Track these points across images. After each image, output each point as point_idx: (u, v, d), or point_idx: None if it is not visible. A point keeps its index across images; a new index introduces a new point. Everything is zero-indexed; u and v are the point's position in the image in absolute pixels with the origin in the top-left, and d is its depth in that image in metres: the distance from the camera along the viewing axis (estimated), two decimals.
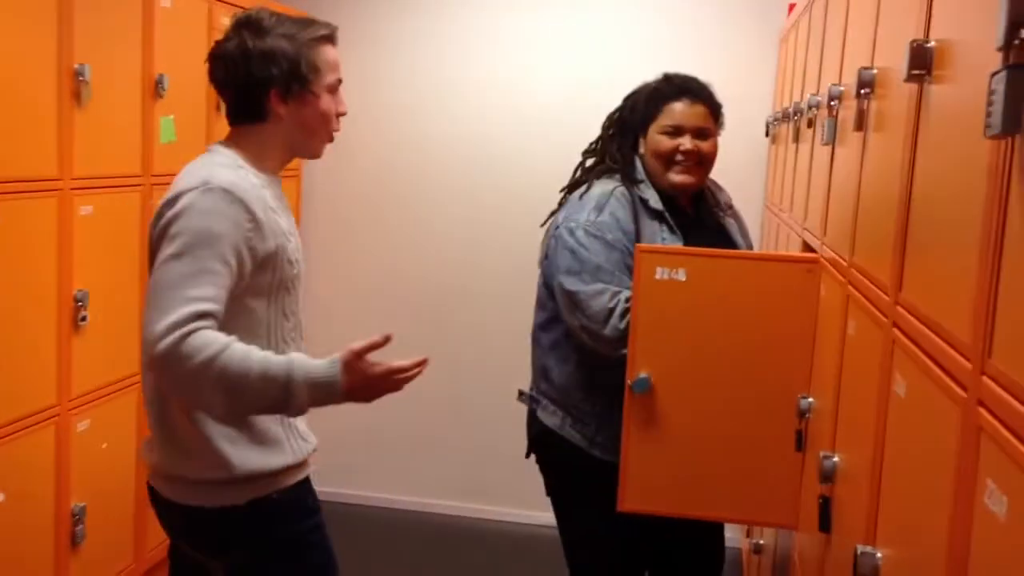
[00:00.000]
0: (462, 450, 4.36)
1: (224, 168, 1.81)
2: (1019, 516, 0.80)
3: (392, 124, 4.32)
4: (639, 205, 2.35)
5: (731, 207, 2.60)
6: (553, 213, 2.49)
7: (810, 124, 2.36)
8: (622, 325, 2.21)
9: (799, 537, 2.10)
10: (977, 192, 0.96)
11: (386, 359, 1.74)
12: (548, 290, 2.40)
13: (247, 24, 1.86)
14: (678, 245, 2.34)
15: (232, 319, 1.74)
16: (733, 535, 3.50)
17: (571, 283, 2.28)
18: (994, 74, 0.82)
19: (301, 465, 1.92)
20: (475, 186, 4.29)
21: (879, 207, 1.45)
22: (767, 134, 3.92)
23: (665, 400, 2.16)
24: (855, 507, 1.49)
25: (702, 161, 2.38)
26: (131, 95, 3.03)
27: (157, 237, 1.75)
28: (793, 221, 2.72)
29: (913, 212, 1.25)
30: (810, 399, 2.01)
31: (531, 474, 2.60)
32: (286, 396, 1.68)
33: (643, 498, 2.19)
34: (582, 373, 2.38)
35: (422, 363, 1.76)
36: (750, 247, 2.60)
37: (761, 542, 2.80)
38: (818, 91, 2.36)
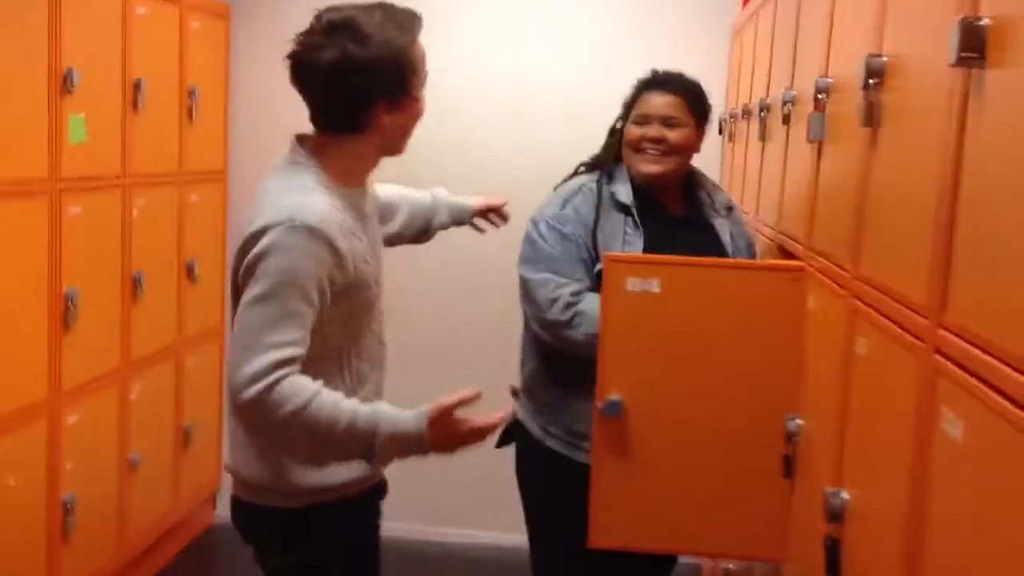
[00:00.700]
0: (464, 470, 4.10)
1: (310, 196, 1.76)
2: None
3: None
4: (608, 199, 2.32)
5: (730, 209, 2.49)
6: None
7: (785, 120, 2.18)
8: (564, 316, 2.22)
9: (788, 571, 1.92)
10: None
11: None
12: None
13: (346, 29, 1.75)
14: (639, 247, 2.25)
15: (315, 346, 1.74)
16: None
17: (524, 271, 2.32)
18: None
19: (363, 478, 1.89)
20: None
21: (904, 212, 1.27)
22: (720, 131, 3.77)
23: (639, 424, 1.97)
24: (876, 553, 1.31)
25: (669, 150, 2.32)
26: (36, 91, 2.75)
27: (244, 272, 1.73)
28: (761, 224, 2.55)
29: (961, 218, 1.06)
30: (798, 420, 1.83)
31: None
32: (370, 450, 1.70)
33: (615, 533, 1.99)
34: (542, 363, 2.39)
35: (499, 420, 1.80)
36: (752, 254, 2.45)
37: (731, 567, 2.63)
38: (792, 85, 2.20)
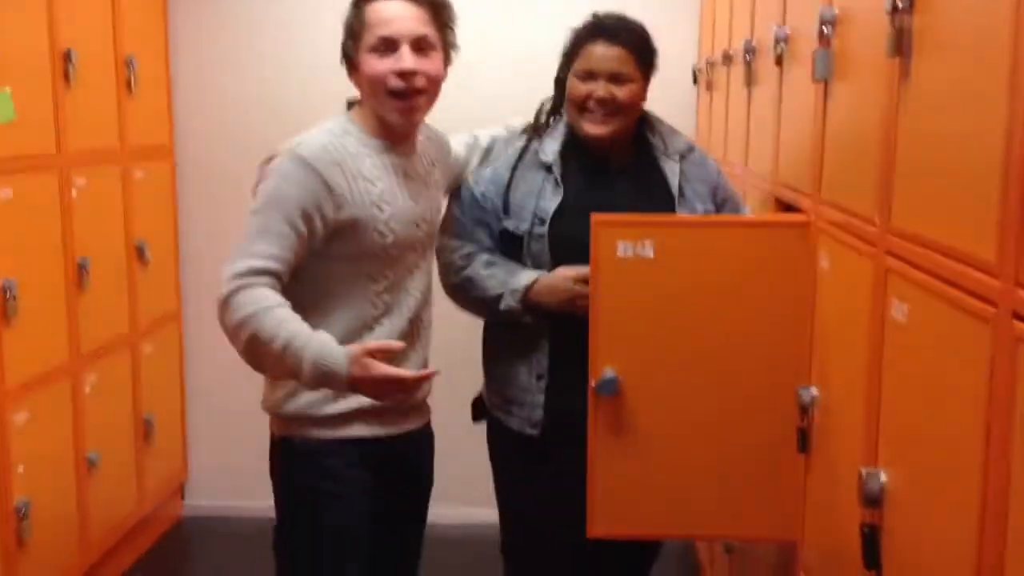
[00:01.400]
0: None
1: (323, 133, 1.90)
2: None
3: (277, 100, 3.82)
4: (530, 159, 2.18)
5: (686, 154, 2.20)
6: None
7: (779, 61, 2.00)
8: (455, 280, 2.18)
9: (806, 553, 1.77)
10: None
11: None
12: None
13: None
14: (552, 205, 2.11)
15: (310, 278, 1.88)
16: None
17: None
18: None
19: (323, 420, 1.91)
20: None
21: (956, 155, 1.10)
22: (695, 81, 3.58)
23: (637, 402, 1.80)
24: (925, 543, 1.15)
25: (618, 110, 2.11)
26: None
27: (253, 189, 1.90)
28: (754, 175, 2.38)
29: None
30: (813, 390, 1.67)
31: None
32: (297, 372, 1.76)
33: (616, 520, 1.83)
34: (483, 331, 2.33)
35: (428, 376, 1.83)
36: (730, 205, 2.19)
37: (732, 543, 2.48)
38: (784, 21, 2.01)
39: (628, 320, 1.78)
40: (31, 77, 2.82)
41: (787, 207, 2.01)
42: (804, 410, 1.68)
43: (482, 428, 2.30)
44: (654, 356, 1.79)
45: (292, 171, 1.82)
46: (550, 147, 2.17)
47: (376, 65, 1.88)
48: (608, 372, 1.78)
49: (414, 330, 2.00)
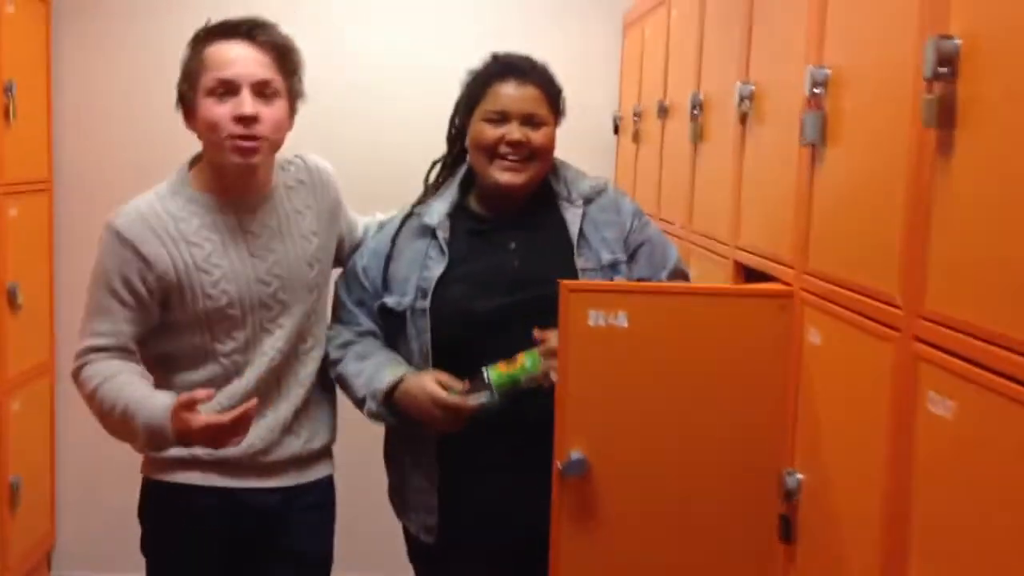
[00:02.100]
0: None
1: (147, 198, 1.88)
2: None
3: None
4: (412, 226, 1.98)
5: (592, 197, 1.98)
6: None
7: (743, 120, 1.91)
8: (331, 376, 2.01)
9: None
10: None
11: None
12: None
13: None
14: (438, 271, 1.91)
15: (157, 342, 1.91)
16: None
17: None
18: None
19: (164, 462, 1.92)
20: None
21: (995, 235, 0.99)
22: (616, 131, 3.50)
23: (606, 485, 1.64)
24: None
25: (533, 155, 1.91)
26: None
27: None
28: (702, 236, 2.28)
29: None
30: (799, 475, 1.55)
31: None
32: (134, 436, 1.78)
33: None
34: None
35: (244, 415, 1.72)
36: (637, 247, 1.95)
37: None
38: (748, 77, 1.92)
39: (598, 395, 1.64)
40: None
41: (751, 272, 1.91)
42: (788, 496, 1.56)
43: None
44: (625, 435, 1.64)
45: (107, 243, 1.85)
46: (437, 209, 1.96)
47: (214, 109, 1.79)
48: (575, 453, 1.63)
49: (271, 390, 1.94)
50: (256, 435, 1.90)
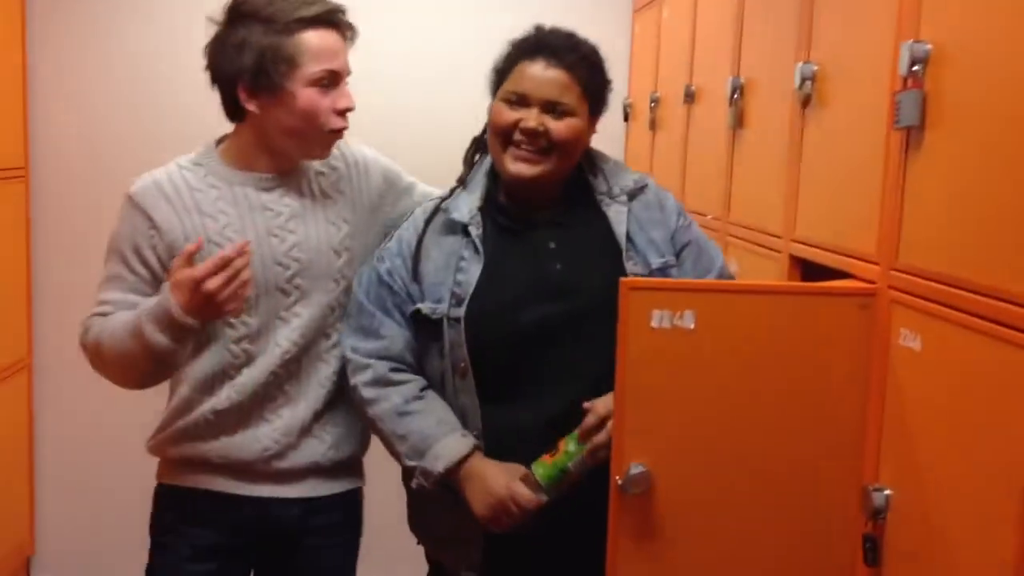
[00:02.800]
0: None
1: (165, 167, 1.81)
2: None
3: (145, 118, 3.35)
4: (440, 221, 1.78)
5: (636, 193, 1.80)
6: None
7: (805, 103, 1.76)
8: (356, 405, 1.78)
9: None
10: None
11: None
12: None
13: (230, 6, 1.73)
14: (474, 274, 1.72)
15: None
16: None
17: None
18: None
19: (177, 465, 1.84)
20: None
21: None
22: (625, 118, 3.35)
23: (669, 501, 1.49)
24: None
25: (551, 147, 1.70)
26: None
27: None
28: (741, 227, 2.14)
29: None
30: (887, 491, 1.41)
31: None
32: (144, 340, 1.66)
33: None
34: None
35: (242, 246, 1.61)
36: (683, 247, 1.78)
37: None
38: (809, 58, 1.78)
39: (661, 403, 1.48)
40: None
41: (808, 267, 1.77)
42: (874, 514, 1.42)
43: None
44: (691, 446, 1.49)
45: (123, 209, 1.79)
46: (465, 203, 1.76)
47: (317, 99, 1.72)
48: (636, 466, 1.48)
49: (287, 386, 1.80)
50: (270, 436, 1.80)
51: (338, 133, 1.77)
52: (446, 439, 1.68)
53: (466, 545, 1.73)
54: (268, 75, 1.69)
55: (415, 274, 1.74)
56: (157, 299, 1.66)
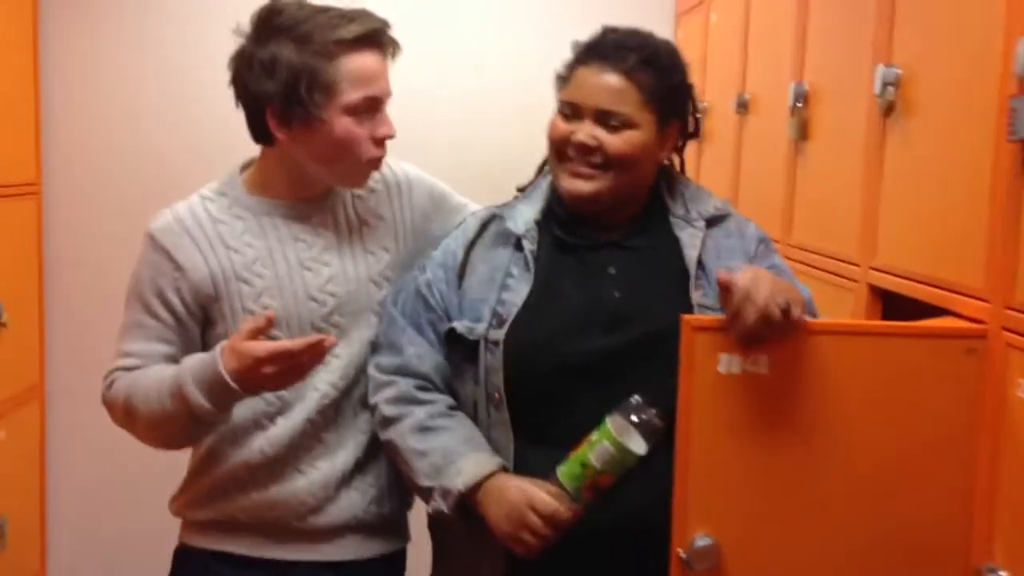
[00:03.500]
0: None
1: (190, 199, 1.68)
2: None
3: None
4: (493, 231, 1.62)
5: (716, 220, 1.59)
6: None
7: (888, 111, 1.55)
8: (379, 414, 1.60)
9: None
10: None
11: None
12: None
13: (260, 19, 1.57)
14: (523, 292, 1.53)
15: None
16: None
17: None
18: None
19: (201, 526, 1.68)
20: None
21: None
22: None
23: None
24: None
25: (608, 163, 1.51)
26: None
27: None
28: (804, 252, 1.92)
29: None
30: (1002, 573, 1.19)
31: None
32: (186, 402, 1.51)
33: None
34: None
35: (318, 344, 1.44)
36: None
37: None
38: (891, 60, 1.56)
39: (730, 462, 1.27)
40: None
41: (890, 299, 1.55)
42: None
43: None
44: (766, 515, 1.28)
45: (144, 250, 1.66)
46: (523, 214, 1.59)
47: (355, 129, 1.56)
48: (702, 538, 1.27)
49: (324, 434, 1.65)
50: (306, 490, 1.63)
51: (376, 163, 1.62)
52: (473, 455, 1.48)
53: None
54: (301, 102, 1.53)
55: (459, 288, 1.57)
56: (202, 359, 1.52)
